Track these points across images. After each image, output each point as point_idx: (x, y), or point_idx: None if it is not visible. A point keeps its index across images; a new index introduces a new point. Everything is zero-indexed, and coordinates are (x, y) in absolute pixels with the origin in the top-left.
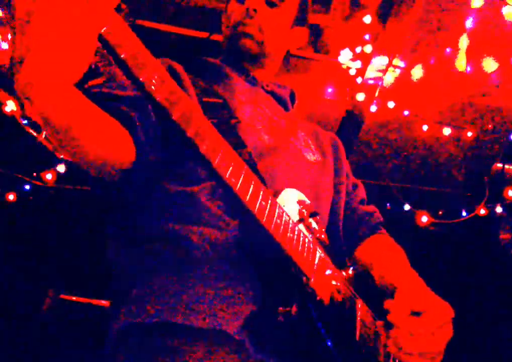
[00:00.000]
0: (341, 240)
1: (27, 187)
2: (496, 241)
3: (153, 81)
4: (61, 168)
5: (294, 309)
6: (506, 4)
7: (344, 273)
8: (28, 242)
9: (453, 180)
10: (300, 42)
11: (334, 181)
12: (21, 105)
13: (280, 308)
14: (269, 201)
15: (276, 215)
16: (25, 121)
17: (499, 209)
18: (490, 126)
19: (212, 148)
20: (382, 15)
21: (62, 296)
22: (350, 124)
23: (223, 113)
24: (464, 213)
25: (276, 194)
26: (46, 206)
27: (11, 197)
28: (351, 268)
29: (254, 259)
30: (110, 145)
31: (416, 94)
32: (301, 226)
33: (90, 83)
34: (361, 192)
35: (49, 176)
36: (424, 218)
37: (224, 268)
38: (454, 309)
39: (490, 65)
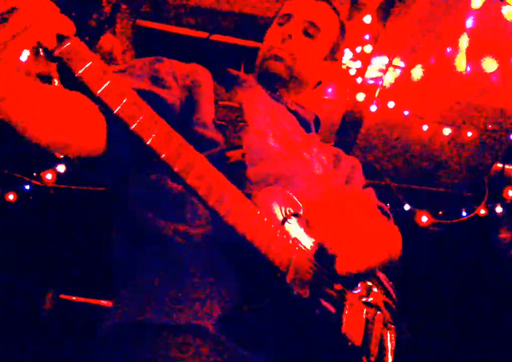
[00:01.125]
0: None
1: (27, 187)
2: (496, 241)
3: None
4: (61, 168)
5: (269, 304)
6: (506, 4)
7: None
8: (28, 242)
9: (453, 180)
10: (331, 76)
11: None
12: None
13: (249, 305)
14: (241, 204)
15: (246, 216)
16: None
17: (499, 209)
18: (490, 126)
19: (174, 153)
20: (383, 15)
21: (62, 296)
22: (350, 124)
23: (233, 116)
24: (464, 213)
25: (256, 196)
26: (46, 206)
27: (11, 197)
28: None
29: (230, 256)
30: (69, 130)
31: (416, 94)
32: (287, 226)
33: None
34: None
35: (48, 176)
36: (424, 218)
37: (202, 265)
38: (455, 309)
39: (490, 65)
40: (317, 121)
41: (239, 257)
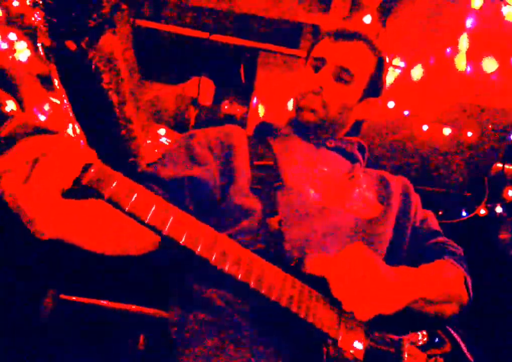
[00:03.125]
0: None
1: None
2: (496, 241)
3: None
4: None
5: None
6: (506, 4)
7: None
8: (28, 242)
9: (453, 180)
10: (372, 113)
11: (394, 227)
12: (20, 105)
13: None
14: (284, 279)
15: (287, 290)
16: None
17: (499, 209)
18: (490, 126)
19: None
20: (383, 15)
21: (62, 296)
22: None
23: (269, 177)
24: (464, 213)
25: (300, 262)
26: None
27: None
28: None
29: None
30: (125, 241)
31: (416, 94)
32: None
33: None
34: (433, 224)
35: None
36: None
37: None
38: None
39: (490, 65)
40: (361, 148)
41: (285, 326)
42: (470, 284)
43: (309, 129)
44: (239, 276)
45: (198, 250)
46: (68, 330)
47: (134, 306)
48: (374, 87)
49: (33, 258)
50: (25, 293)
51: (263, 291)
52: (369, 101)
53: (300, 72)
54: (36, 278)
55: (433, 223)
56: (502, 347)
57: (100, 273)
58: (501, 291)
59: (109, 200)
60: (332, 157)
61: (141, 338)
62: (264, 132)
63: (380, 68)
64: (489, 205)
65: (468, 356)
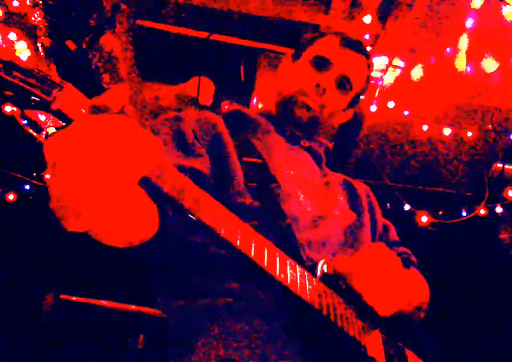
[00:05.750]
0: None
1: (27, 187)
2: (496, 241)
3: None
4: None
5: None
6: (506, 4)
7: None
8: (28, 242)
9: (453, 180)
10: (344, 121)
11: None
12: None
13: None
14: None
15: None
16: (25, 121)
17: (499, 209)
18: (490, 126)
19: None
20: (382, 15)
21: (62, 296)
22: (350, 124)
23: (263, 176)
24: (464, 213)
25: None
26: (46, 206)
27: (11, 197)
28: None
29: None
30: (133, 227)
31: (416, 94)
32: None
33: None
34: (393, 235)
35: (48, 176)
36: (424, 218)
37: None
38: (454, 309)
39: (490, 65)
40: (326, 151)
41: (305, 322)
42: None
43: (296, 125)
44: (288, 282)
45: (252, 255)
46: (68, 330)
47: (133, 306)
48: (356, 100)
49: (33, 258)
50: (25, 293)
51: (304, 297)
52: (347, 111)
53: (287, 62)
54: (36, 278)
55: (394, 233)
56: (502, 347)
57: (100, 273)
58: (501, 291)
59: (167, 196)
60: (306, 157)
61: (141, 337)
62: (240, 124)
63: (368, 84)
64: (489, 205)
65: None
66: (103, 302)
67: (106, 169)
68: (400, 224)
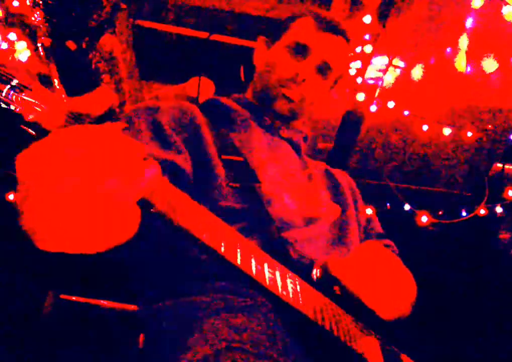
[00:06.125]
0: None
1: None
2: (496, 241)
3: None
4: None
5: None
6: (506, 4)
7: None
8: (28, 242)
9: (453, 180)
10: (326, 105)
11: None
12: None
13: None
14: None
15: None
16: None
17: (499, 209)
18: (490, 126)
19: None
20: (382, 15)
21: (62, 296)
22: (350, 124)
23: (244, 176)
24: (464, 213)
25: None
26: None
27: (11, 197)
28: None
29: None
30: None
31: (416, 94)
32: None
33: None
34: (377, 226)
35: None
36: (424, 218)
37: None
38: (454, 309)
39: (490, 65)
40: (305, 138)
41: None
42: None
43: (276, 117)
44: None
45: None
46: (68, 330)
47: (134, 306)
48: (337, 81)
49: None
50: (25, 293)
51: (304, 312)
52: (330, 94)
53: (262, 47)
54: (36, 278)
55: (378, 224)
56: (503, 346)
57: (100, 273)
58: (501, 291)
59: (159, 215)
60: (286, 149)
61: (141, 337)
62: (217, 116)
63: (349, 62)
64: (489, 205)
65: None
66: (103, 302)
67: (81, 195)
68: (400, 224)
